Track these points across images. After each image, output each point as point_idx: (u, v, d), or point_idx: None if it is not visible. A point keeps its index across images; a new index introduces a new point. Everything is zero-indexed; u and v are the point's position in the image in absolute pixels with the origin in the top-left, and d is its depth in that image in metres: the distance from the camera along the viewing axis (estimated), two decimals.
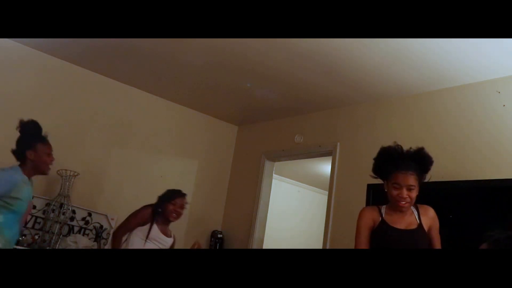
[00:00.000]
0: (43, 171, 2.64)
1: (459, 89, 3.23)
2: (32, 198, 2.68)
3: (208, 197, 4.73)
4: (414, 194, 2.32)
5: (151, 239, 3.04)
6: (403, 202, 2.31)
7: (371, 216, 2.38)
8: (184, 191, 3.23)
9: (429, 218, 2.34)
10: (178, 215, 3.17)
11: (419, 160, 2.40)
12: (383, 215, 2.37)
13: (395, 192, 2.33)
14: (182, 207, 3.18)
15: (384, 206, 2.39)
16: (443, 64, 2.99)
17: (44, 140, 2.63)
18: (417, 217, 2.34)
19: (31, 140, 2.59)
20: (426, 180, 2.46)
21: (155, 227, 3.06)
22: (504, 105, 2.95)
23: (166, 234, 3.15)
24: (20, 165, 2.56)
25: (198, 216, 4.57)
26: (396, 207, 2.36)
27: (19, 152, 2.58)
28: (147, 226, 3.03)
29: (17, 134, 2.62)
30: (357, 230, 2.39)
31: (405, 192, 2.31)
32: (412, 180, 2.32)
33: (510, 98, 2.95)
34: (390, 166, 2.37)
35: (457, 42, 2.71)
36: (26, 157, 2.56)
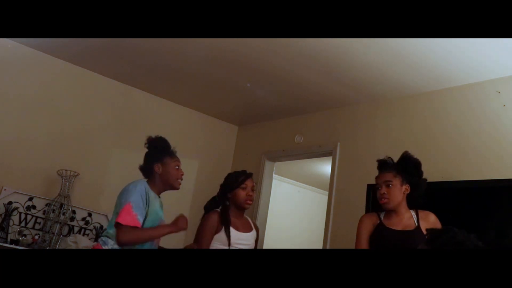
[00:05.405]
0: (172, 186, 2.50)
1: (459, 89, 3.22)
2: (162, 217, 2.51)
3: (208, 197, 4.70)
4: (394, 190, 2.34)
5: (233, 245, 2.71)
6: (383, 199, 2.34)
7: (371, 221, 2.42)
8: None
9: (429, 223, 2.33)
10: (252, 200, 2.79)
11: (401, 161, 2.44)
12: (382, 219, 2.39)
13: (378, 194, 2.37)
14: (253, 189, 2.80)
15: (384, 212, 2.42)
16: (443, 64, 2.99)
17: (172, 154, 2.52)
18: (415, 221, 2.34)
19: (158, 154, 2.49)
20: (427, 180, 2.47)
21: (232, 230, 2.72)
22: (504, 105, 2.95)
23: (245, 228, 2.78)
24: (147, 182, 2.45)
25: (198, 216, 4.55)
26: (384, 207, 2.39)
27: (146, 167, 2.49)
28: (222, 232, 2.72)
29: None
30: (357, 234, 2.43)
31: (383, 189, 2.34)
32: (389, 176, 2.36)
33: (510, 98, 2.95)
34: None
35: (457, 42, 2.71)
36: (154, 171, 2.46)
